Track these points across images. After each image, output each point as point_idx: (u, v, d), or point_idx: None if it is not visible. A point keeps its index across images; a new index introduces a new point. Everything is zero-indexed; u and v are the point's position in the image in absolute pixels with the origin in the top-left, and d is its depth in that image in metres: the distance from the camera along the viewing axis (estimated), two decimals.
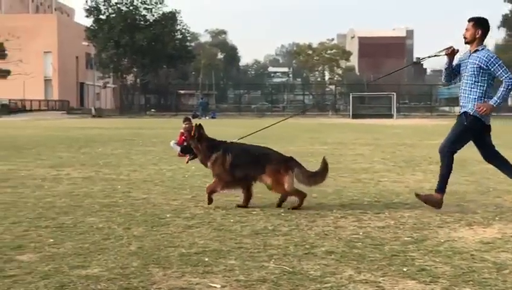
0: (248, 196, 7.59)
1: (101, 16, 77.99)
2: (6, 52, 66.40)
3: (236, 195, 7.84)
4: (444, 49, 7.61)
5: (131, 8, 77.84)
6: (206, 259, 5.05)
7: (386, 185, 9.68)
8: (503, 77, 7.15)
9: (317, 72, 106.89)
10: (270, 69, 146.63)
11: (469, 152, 8.31)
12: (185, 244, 5.55)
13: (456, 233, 6.17)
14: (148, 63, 77.52)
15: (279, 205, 7.52)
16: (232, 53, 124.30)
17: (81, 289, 4.27)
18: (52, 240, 5.68)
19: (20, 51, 66.50)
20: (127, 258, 5.07)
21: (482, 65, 7.21)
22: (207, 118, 55.66)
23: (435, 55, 8.24)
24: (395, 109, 61.13)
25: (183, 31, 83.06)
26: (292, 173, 7.40)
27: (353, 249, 5.47)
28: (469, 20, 7.39)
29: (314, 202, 7.97)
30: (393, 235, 6.02)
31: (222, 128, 28.17)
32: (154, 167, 12.33)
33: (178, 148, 14.64)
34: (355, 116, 57.19)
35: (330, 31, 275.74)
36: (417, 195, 7.61)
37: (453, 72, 7.64)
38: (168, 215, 6.92)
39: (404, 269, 4.83)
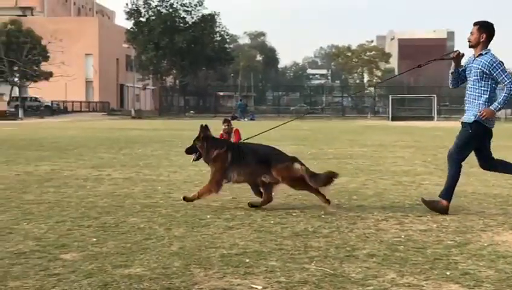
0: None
1: (141, 19, 78.76)
2: (49, 54, 67.39)
3: (278, 197, 7.83)
4: (449, 53, 7.56)
5: (170, 10, 78.43)
6: (247, 260, 5.05)
7: (427, 187, 9.56)
8: (506, 82, 7.08)
9: (356, 74, 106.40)
10: (309, 71, 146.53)
11: None
12: (225, 245, 5.56)
13: (500, 237, 6.08)
14: (188, 65, 78.00)
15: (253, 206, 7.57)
16: (270, 55, 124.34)
17: (124, 288, 4.31)
18: (95, 240, 5.75)
19: (62, 53, 67.41)
20: (168, 258, 5.10)
21: (485, 70, 7.14)
22: (246, 119, 55.79)
23: (440, 59, 8.13)
24: (435, 111, 60.48)
25: (222, 33, 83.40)
26: (300, 167, 7.45)
27: (395, 252, 5.42)
28: (474, 24, 7.32)
29: (355, 204, 7.93)
30: (436, 239, 5.95)
31: (260, 130, 28.13)
32: (193, 168, 12.36)
33: None
34: (394, 118, 56.73)
35: (369, 32, 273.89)
36: (422, 199, 7.55)
37: (459, 77, 7.55)
38: (208, 217, 6.95)
39: (447, 273, 4.77)
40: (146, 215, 7.01)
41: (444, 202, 7.30)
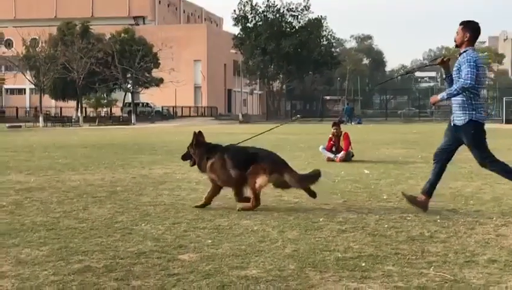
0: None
1: (249, 24, 79.84)
2: (159, 61, 69.47)
3: (389, 200, 7.69)
4: (434, 59, 7.38)
5: (277, 15, 79.08)
6: (363, 264, 4.98)
7: None
8: (462, 77, 7.03)
9: None
10: (417, 73, 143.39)
11: None
12: (340, 249, 5.52)
13: None
14: (294, 70, 78.33)
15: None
16: (377, 58, 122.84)
17: None
18: (210, 241, 5.84)
19: (172, 60, 69.38)
20: (283, 260, 5.11)
21: (458, 66, 7.17)
22: (353, 123, 55.31)
23: (425, 66, 7.94)
24: None
25: (329, 37, 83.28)
26: (271, 176, 7.50)
27: None
28: (459, 24, 7.32)
29: (472, 209, 7.68)
30: None
31: (368, 134, 27.87)
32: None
33: (327, 154, 14.65)
34: (509, 121, 54.64)
35: (481, 33, 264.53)
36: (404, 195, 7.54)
37: (454, 80, 7.37)
38: (320, 219, 6.91)
39: None
40: (258, 218, 7.06)
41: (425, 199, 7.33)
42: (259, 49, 76.61)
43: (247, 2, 79.68)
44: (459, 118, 7.23)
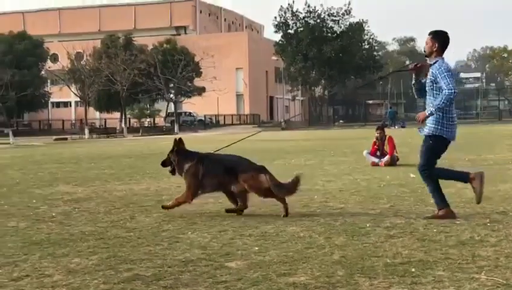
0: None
1: (290, 31, 79.89)
2: (201, 70, 69.97)
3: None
4: (407, 65, 7.34)
5: (318, 21, 78.95)
6: (413, 269, 4.91)
7: None
8: (443, 88, 7.03)
9: None
10: (462, 75, 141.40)
11: None
12: (388, 254, 5.45)
13: None
14: (336, 75, 78.05)
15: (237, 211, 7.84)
16: (421, 60, 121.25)
17: None
18: (257, 248, 5.83)
19: (214, 68, 69.76)
20: (331, 267, 5.07)
21: (433, 78, 7.18)
22: (396, 127, 54.84)
23: (399, 70, 7.87)
24: None
25: (371, 40, 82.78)
26: (264, 176, 7.68)
27: None
28: (428, 34, 7.39)
29: None
30: None
31: (412, 138, 27.53)
32: (348, 176, 12.31)
33: (372, 158, 14.54)
34: None
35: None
36: (427, 217, 7.23)
37: (423, 88, 7.48)
38: (367, 225, 6.84)
39: None
40: (305, 224, 7.03)
41: (446, 210, 7.19)
42: (301, 55, 76.55)
43: (287, 8, 79.75)
44: (426, 128, 7.32)
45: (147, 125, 72.39)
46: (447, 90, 6.99)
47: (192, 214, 7.96)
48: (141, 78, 62.37)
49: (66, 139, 50.18)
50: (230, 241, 6.22)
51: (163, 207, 8.17)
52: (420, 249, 5.64)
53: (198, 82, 70.50)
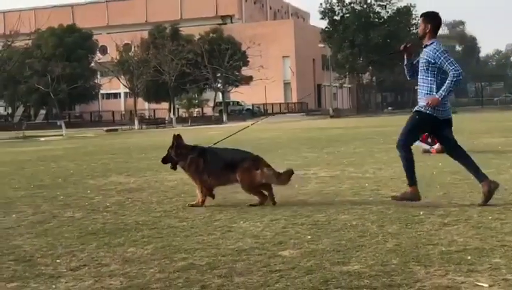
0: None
1: (336, 17, 79.33)
2: (248, 59, 70.01)
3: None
4: (399, 47, 7.84)
5: (365, 6, 78.20)
6: (469, 257, 4.85)
7: None
8: (450, 70, 7.09)
9: None
10: None
11: None
12: (443, 242, 5.39)
13: None
14: (384, 61, 77.13)
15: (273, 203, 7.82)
16: (471, 44, 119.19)
17: (345, 285, 4.31)
18: (309, 237, 5.83)
19: (260, 57, 69.76)
20: (385, 255, 5.04)
21: (430, 59, 7.23)
22: None
23: (390, 54, 7.84)
24: None
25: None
26: (260, 172, 7.77)
27: None
28: (420, 16, 7.60)
29: None
30: None
31: (463, 123, 27.14)
32: (398, 164, 12.07)
33: (423, 145, 14.35)
34: None
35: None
36: (393, 197, 7.51)
37: (413, 69, 7.64)
38: (421, 213, 6.77)
39: None
40: (357, 212, 7.00)
41: (412, 189, 7.34)
42: (348, 41, 75.99)
43: None
44: (419, 105, 7.41)
45: (195, 115, 72.87)
46: (454, 72, 7.07)
47: (243, 203, 7.99)
48: (189, 68, 62.74)
49: (116, 130, 50.94)
50: (282, 230, 6.23)
51: (192, 206, 8.06)
52: (475, 236, 5.56)
53: (245, 71, 70.59)
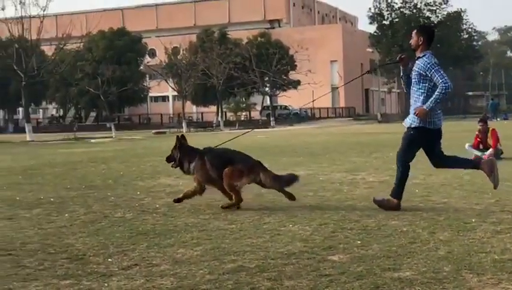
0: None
1: (385, 22, 78.75)
2: (296, 63, 69.96)
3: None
4: (394, 57, 7.27)
5: (414, 11, 77.41)
6: None
7: None
8: (439, 82, 7.20)
9: None
10: None
11: None
12: (496, 250, 5.29)
13: None
14: None
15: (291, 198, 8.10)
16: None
17: None
18: (359, 242, 5.79)
19: (308, 61, 69.62)
20: (437, 262, 4.98)
21: (421, 72, 7.34)
22: (498, 120, 53.06)
23: (386, 64, 7.83)
24: None
25: (469, 30, 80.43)
26: (250, 176, 7.97)
27: None
28: (415, 29, 7.71)
29: None
30: None
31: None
32: (449, 171, 11.99)
33: (474, 151, 14.15)
34: None
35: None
36: (374, 198, 7.76)
37: (410, 81, 7.67)
38: (473, 220, 6.67)
39: None
40: (407, 218, 6.93)
41: (395, 201, 7.51)
42: (396, 46, 75.17)
43: None
44: (409, 118, 7.56)
45: (242, 118, 73.10)
46: (443, 84, 7.19)
47: (292, 207, 7.99)
48: (236, 71, 63.03)
49: (164, 132, 51.35)
50: (331, 234, 6.21)
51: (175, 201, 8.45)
52: None
53: (293, 75, 70.55)
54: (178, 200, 8.43)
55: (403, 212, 7.30)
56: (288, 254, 5.41)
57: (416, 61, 7.49)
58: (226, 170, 7.98)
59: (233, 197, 8.04)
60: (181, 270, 5.00)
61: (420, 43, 7.49)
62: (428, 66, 7.31)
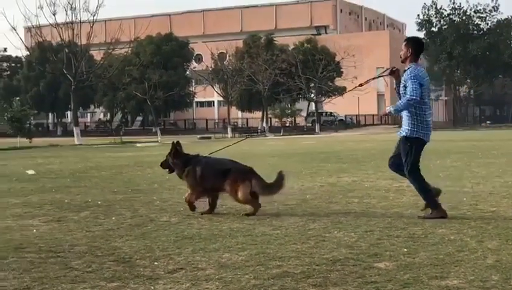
0: (213, 205, 8.33)
1: (433, 29, 77.98)
2: (342, 70, 69.67)
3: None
4: (384, 71, 8.17)
5: (464, 18, 76.43)
6: None
7: None
8: (408, 92, 7.36)
9: None
10: None
11: None
12: None
13: None
14: (483, 73, 75.16)
15: None
16: None
17: None
18: (405, 250, 5.73)
19: (355, 68, 69.26)
20: (485, 271, 4.89)
21: (405, 83, 7.48)
22: None
23: (378, 77, 8.86)
24: None
25: None
26: (248, 183, 7.99)
27: None
28: (404, 40, 7.88)
29: None
30: None
31: None
32: (498, 179, 11.81)
33: None
34: None
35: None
36: (420, 217, 7.49)
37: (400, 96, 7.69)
38: None
39: None
40: (455, 226, 6.83)
41: (436, 211, 7.41)
42: (445, 53, 74.48)
43: (431, 5, 77.82)
44: (403, 130, 7.63)
45: (288, 125, 73.08)
46: (408, 96, 7.35)
47: (337, 213, 7.96)
48: (282, 77, 63.09)
49: (209, 138, 51.69)
50: (377, 241, 6.16)
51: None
52: None
53: (339, 82, 70.25)
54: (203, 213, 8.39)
55: (450, 221, 7.20)
56: (334, 261, 5.38)
57: (404, 73, 7.62)
58: (228, 187, 8.06)
59: (251, 208, 8.10)
60: (226, 274, 5.02)
61: (409, 54, 7.64)
62: (407, 76, 7.44)
